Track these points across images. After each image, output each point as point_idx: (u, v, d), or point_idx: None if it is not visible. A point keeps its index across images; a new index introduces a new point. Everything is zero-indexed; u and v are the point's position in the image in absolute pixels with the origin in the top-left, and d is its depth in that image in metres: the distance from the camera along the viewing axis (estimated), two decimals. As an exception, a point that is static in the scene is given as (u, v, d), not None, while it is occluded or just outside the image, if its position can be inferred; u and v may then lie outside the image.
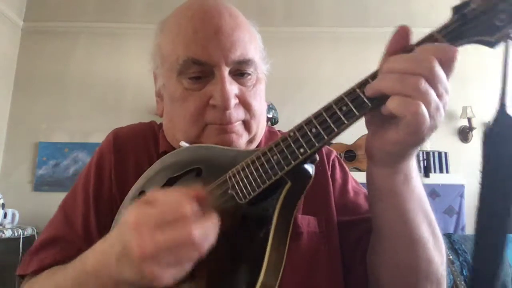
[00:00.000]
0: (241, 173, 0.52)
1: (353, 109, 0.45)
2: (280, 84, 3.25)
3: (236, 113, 0.62)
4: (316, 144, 0.47)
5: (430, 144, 3.23)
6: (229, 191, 0.52)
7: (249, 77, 0.63)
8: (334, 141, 3.02)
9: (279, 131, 0.80)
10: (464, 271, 2.21)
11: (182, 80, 0.61)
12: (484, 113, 3.23)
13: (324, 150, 0.74)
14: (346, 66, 3.25)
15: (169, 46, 0.63)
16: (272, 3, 3.62)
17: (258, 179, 0.50)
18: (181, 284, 0.45)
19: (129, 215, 0.44)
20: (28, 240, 2.73)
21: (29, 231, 2.79)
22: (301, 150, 0.48)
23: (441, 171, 3.17)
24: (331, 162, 0.74)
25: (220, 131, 0.62)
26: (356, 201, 0.69)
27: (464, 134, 3.34)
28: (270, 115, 2.92)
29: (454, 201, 3.05)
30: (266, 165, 0.50)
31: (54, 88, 3.42)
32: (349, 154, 3.09)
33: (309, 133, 0.47)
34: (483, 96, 3.16)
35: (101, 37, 3.52)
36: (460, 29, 0.43)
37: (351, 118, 0.45)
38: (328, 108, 0.47)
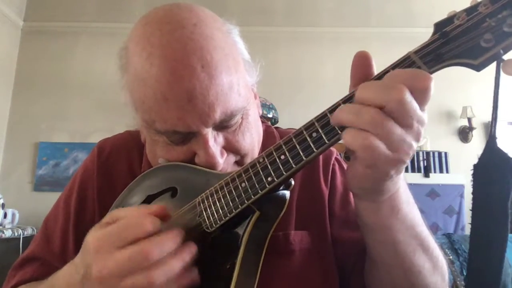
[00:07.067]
0: (210, 199, 0.50)
1: (323, 136, 0.42)
2: (280, 84, 3.25)
3: (226, 163, 0.56)
4: (284, 173, 0.44)
5: (430, 144, 3.23)
6: (197, 218, 0.50)
7: (234, 123, 0.56)
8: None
9: (276, 128, 0.75)
10: (464, 271, 2.20)
11: (163, 136, 0.56)
12: (484, 113, 3.23)
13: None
14: (347, 66, 3.17)
15: (140, 103, 0.55)
16: (273, 3, 3.62)
17: (225, 207, 0.48)
18: None
19: (90, 237, 0.45)
20: (28, 240, 2.71)
21: (29, 231, 2.79)
22: (269, 179, 0.45)
23: (441, 171, 3.17)
24: (330, 167, 0.68)
25: None
26: None
27: (464, 134, 3.34)
28: (270, 115, 2.91)
29: (454, 201, 3.05)
30: (234, 193, 0.47)
31: (54, 88, 3.42)
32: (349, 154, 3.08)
33: (277, 160, 0.45)
34: (483, 96, 3.16)
35: (101, 37, 3.52)
36: (440, 50, 0.39)
37: (321, 146, 0.42)
38: (298, 134, 0.44)
